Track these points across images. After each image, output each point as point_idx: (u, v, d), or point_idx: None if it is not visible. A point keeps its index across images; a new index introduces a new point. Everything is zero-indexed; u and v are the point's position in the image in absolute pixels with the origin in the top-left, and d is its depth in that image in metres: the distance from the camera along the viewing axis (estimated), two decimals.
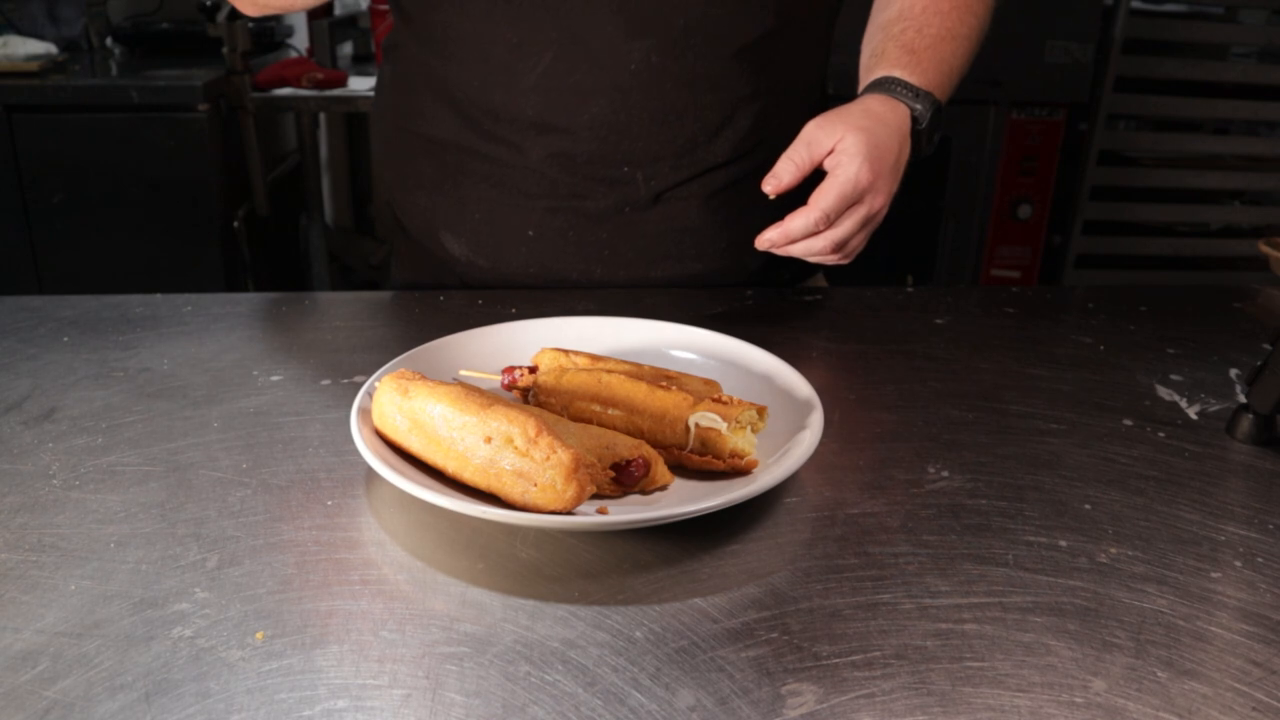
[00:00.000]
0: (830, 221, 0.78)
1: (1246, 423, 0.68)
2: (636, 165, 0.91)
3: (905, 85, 0.85)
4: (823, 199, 0.78)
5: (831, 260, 0.83)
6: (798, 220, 0.78)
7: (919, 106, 0.84)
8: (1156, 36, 2.44)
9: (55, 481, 0.59)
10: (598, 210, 0.92)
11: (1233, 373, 0.80)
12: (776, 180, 0.79)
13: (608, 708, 0.42)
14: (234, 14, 1.97)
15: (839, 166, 0.78)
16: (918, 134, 0.85)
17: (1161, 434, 0.69)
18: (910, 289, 1.01)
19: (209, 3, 2.00)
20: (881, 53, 0.89)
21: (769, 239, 0.80)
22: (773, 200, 0.87)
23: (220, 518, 0.56)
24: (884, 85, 0.86)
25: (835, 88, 1.06)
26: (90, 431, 0.65)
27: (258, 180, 2.14)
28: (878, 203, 0.80)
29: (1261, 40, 2.58)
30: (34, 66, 1.93)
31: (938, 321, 0.89)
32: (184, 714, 0.42)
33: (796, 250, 0.80)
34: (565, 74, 0.87)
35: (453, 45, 0.90)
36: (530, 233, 0.93)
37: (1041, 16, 2.27)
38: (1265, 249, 1.02)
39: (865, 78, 0.90)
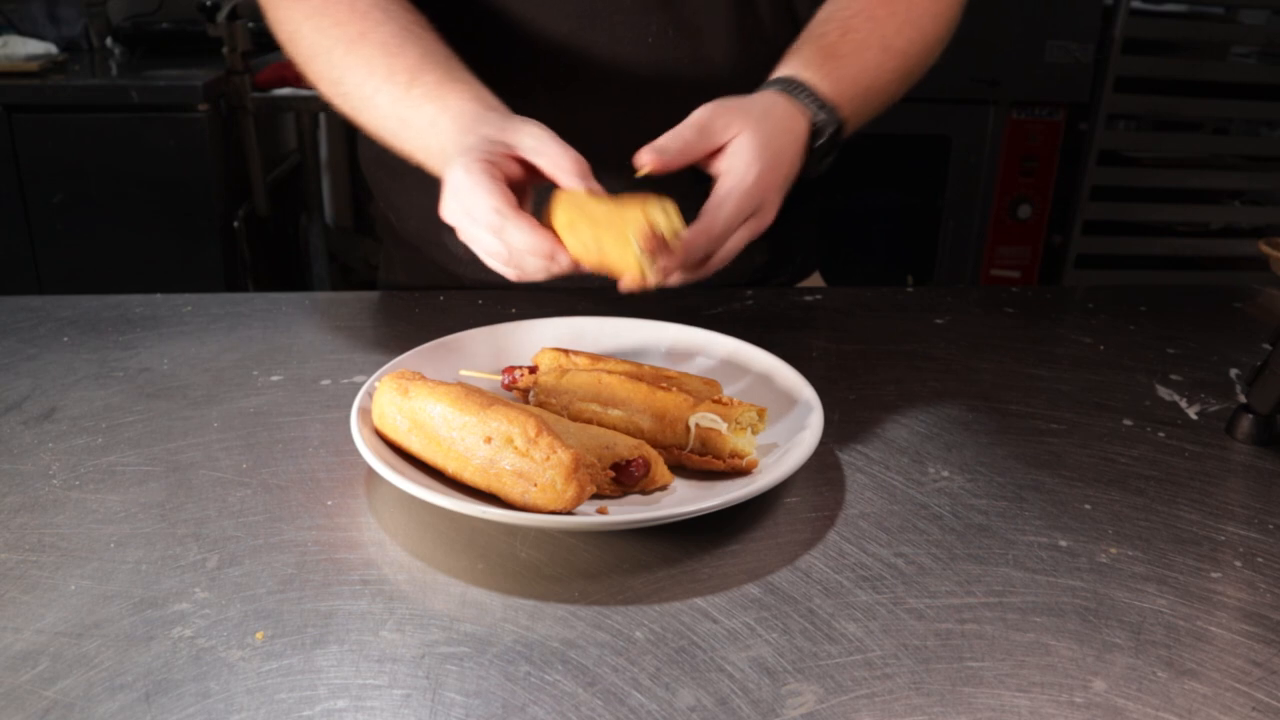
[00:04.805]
0: (725, 239, 0.66)
1: (1246, 423, 0.68)
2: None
3: (810, 91, 0.73)
4: (722, 211, 0.65)
5: (690, 280, 0.67)
6: (698, 236, 0.64)
7: (822, 116, 0.72)
8: (1156, 36, 2.43)
9: (55, 481, 0.59)
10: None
11: (1233, 373, 0.80)
12: (660, 156, 0.64)
13: (608, 708, 0.42)
14: (234, 14, 1.97)
15: (733, 172, 0.66)
16: (810, 150, 0.73)
17: (1161, 434, 0.69)
18: (910, 289, 1.01)
19: (209, 3, 2.00)
20: (797, 50, 0.77)
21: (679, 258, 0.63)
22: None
23: (220, 518, 0.56)
24: (788, 86, 0.73)
25: None
26: (90, 431, 0.65)
27: (258, 180, 2.14)
28: (766, 219, 0.68)
29: (1261, 40, 2.58)
30: (34, 66, 1.93)
31: (938, 321, 0.89)
32: (184, 714, 0.42)
33: (674, 279, 0.65)
34: (583, 50, 0.83)
35: (467, 36, 0.84)
36: None
37: (1041, 16, 2.27)
38: (1265, 249, 1.02)
39: (774, 73, 0.78)
